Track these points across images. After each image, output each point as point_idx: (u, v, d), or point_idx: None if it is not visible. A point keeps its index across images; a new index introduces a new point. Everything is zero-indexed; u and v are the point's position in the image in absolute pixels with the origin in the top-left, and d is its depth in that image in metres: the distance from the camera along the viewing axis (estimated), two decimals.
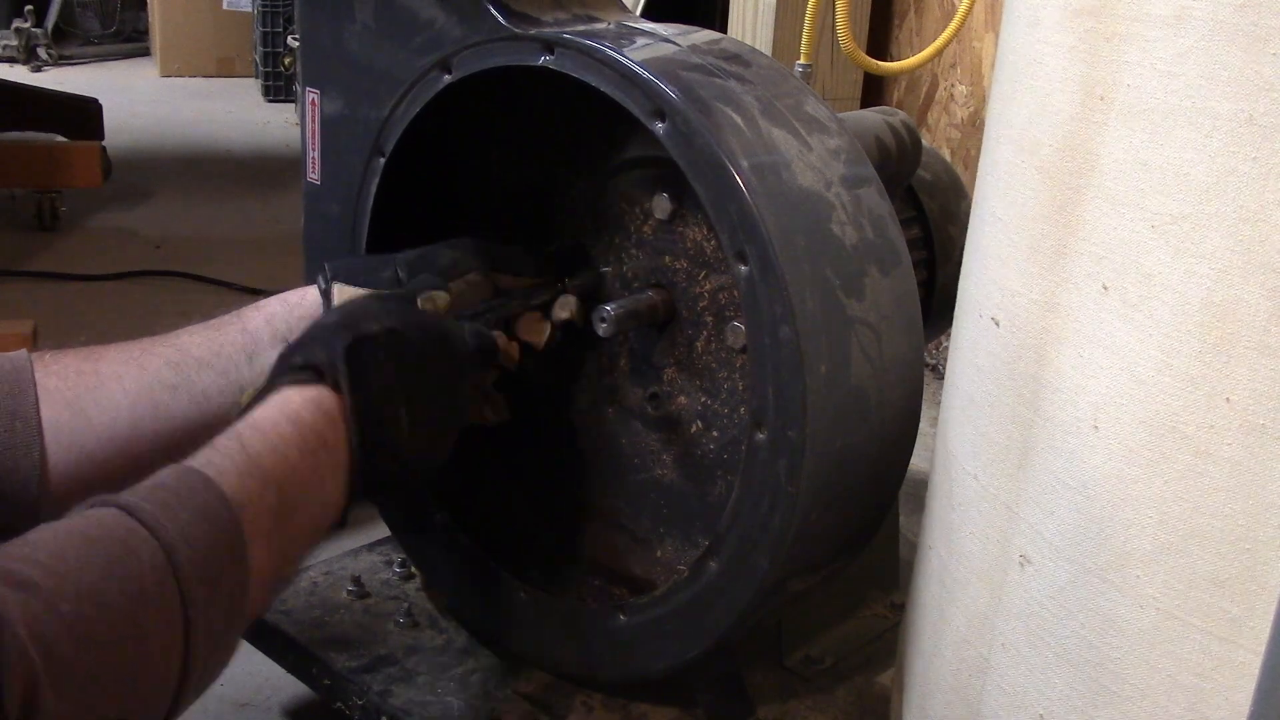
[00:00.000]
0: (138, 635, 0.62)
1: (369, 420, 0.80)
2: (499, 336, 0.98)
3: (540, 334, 1.02)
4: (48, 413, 0.84)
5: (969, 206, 0.86)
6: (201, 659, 0.66)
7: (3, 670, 0.54)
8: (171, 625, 0.64)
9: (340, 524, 0.83)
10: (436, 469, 0.89)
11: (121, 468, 0.86)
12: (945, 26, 1.65)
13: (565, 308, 1.04)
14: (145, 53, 5.31)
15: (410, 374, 0.83)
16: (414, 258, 0.98)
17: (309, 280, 1.18)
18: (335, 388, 0.79)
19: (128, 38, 5.41)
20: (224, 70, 5.00)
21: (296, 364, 0.80)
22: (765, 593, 0.92)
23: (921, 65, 1.74)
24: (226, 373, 0.92)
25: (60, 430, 0.84)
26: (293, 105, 4.38)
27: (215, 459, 0.72)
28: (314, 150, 1.19)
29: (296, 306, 0.97)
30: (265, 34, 4.51)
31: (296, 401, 0.78)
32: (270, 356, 0.93)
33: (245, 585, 0.69)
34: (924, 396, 0.97)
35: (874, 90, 2.51)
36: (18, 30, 4.90)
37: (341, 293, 0.94)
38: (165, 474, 0.70)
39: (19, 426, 0.83)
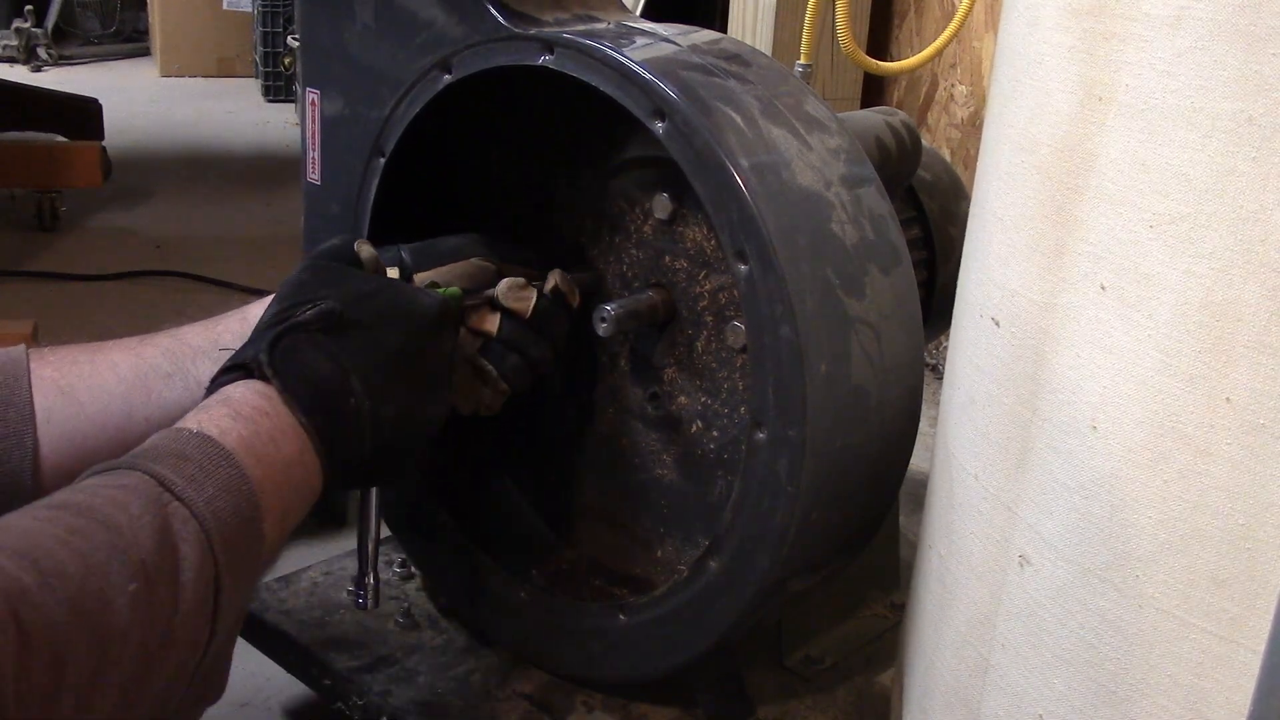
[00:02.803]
0: (173, 608, 0.63)
1: (316, 404, 0.78)
2: (481, 311, 0.97)
3: (525, 302, 0.99)
4: (40, 400, 0.84)
5: (969, 206, 0.86)
6: (220, 633, 0.67)
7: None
8: (206, 602, 0.65)
9: (340, 523, 0.83)
10: (422, 444, 0.88)
11: (114, 456, 0.86)
12: (945, 26, 1.65)
13: (553, 277, 1.02)
14: (145, 53, 5.30)
15: (354, 351, 0.81)
16: (419, 245, 0.98)
17: None
18: (265, 379, 0.78)
19: (128, 38, 5.41)
20: (224, 70, 4.99)
21: (225, 367, 0.79)
22: (765, 592, 0.92)
23: (921, 65, 1.74)
24: (222, 361, 0.91)
25: (52, 416, 0.84)
26: (293, 105, 4.38)
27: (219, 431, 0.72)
28: (314, 150, 1.19)
29: None
30: (265, 34, 4.51)
31: (227, 390, 0.77)
32: None
33: (259, 559, 0.70)
34: (924, 396, 0.97)
35: (874, 90, 2.51)
36: (18, 30, 4.90)
37: None
38: (181, 443, 0.69)
39: (12, 415, 0.82)
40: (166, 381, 0.89)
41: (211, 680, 0.69)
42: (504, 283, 0.99)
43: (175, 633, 0.62)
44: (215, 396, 0.77)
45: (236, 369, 0.79)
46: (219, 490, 0.67)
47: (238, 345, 0.93)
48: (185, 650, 0.64)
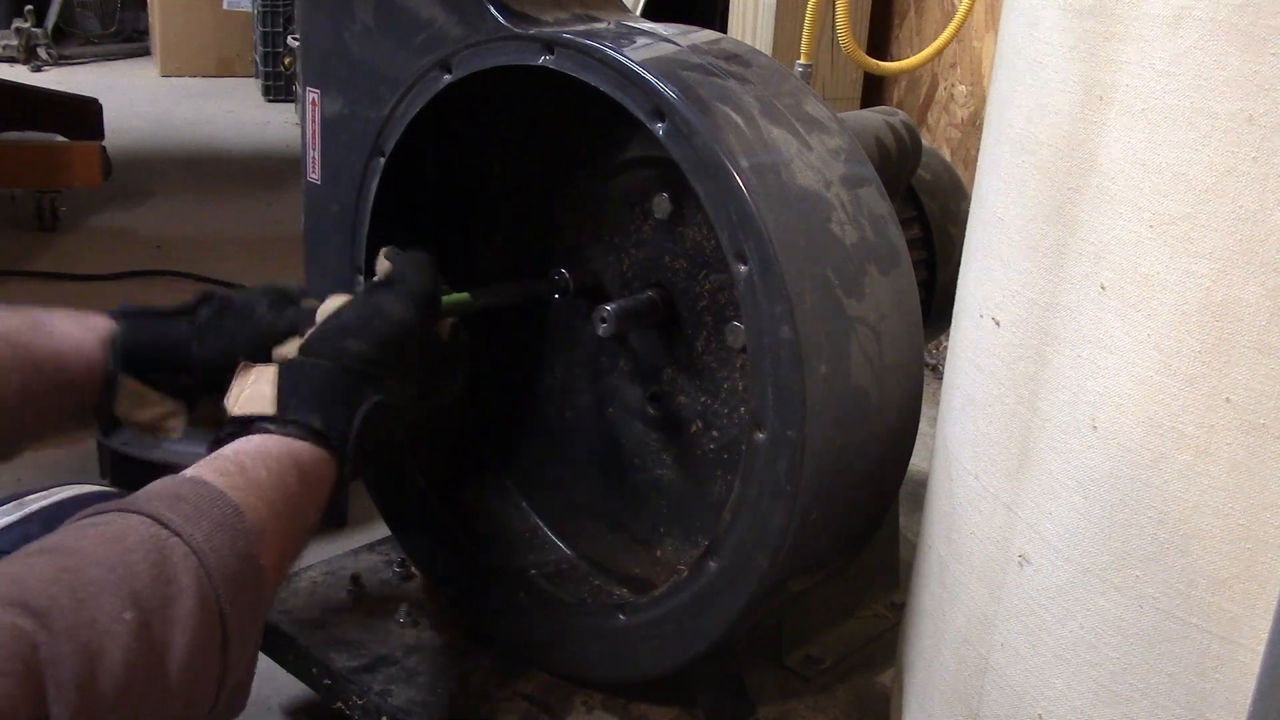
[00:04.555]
0: (190, 649, 0.63)
1: (355, 472, 0.83)
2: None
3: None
4: None
5: (969, 207, 0.86)
6: (234, 667, 0.67)
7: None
8: (213, 636, 0.65)
9: (341, 524, 0.84)
10: None
11: None
12: (945, 26, 1.65)
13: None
14: (145, 53, 5.30)
15: (403, 420, 0.88)
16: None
17: (310, 279, 1.18)
18: (336, 455, 0.81)
19: (128, 38, 5.41)
20: (224, 70, 4.99)
21: (312, 426, 0.80)
22: (765, 592, 0.92)
23: (921, 65, 1.74)
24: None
25: None
26: (293, 105, 4.38)
27: (221, 477, 0.72)
28: (314, 150, 1.19)
29: None
30: (265, 34, 4.51)
31: (298, 446, 0.79)
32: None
33: (263, 595, 0.70)
34: (924, 396, 0.97)
35: (874, 90, 2.51)
36: (18, 30, 4.90)
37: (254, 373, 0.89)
38: (175, 485, 0.70)
39: None
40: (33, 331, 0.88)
41: (231, 707, 0.70)
42: None
43: (181, 661, 0.62)
44: (289, 448, 0.78)
45: (316, 433, 0.80)
46: (215, 527, 0.68)
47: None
48: (196, 682, 0.64)
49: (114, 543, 0.63)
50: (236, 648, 0.67)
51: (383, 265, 0.92)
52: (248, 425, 0.80)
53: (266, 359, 0.87)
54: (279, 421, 0.79)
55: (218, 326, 0.92)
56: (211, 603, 0.65)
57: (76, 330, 0.89)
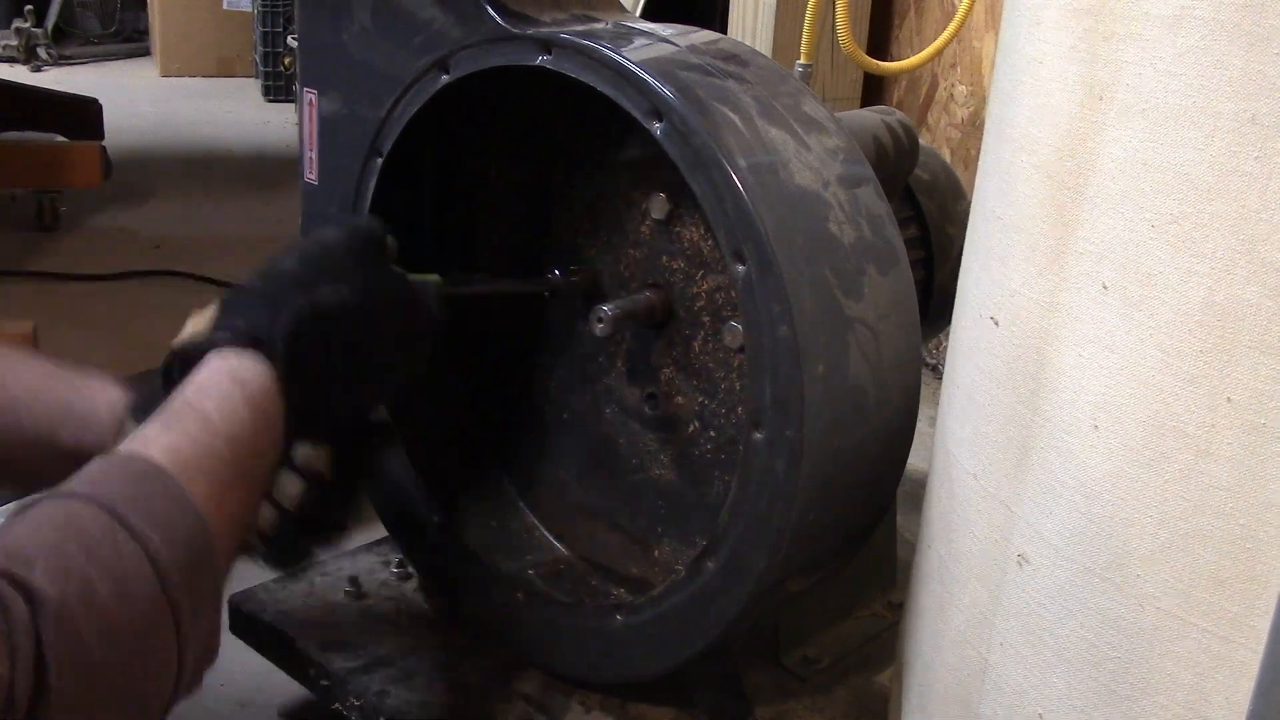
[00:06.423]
0: (138, 628, 0.63)
1: (304, 393, 0.81)
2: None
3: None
4: None
5: (967, 207, 0.86)
6: (190, 632, 0.67)
7: (14, 662, 0.56)
8: (160, 609, 0.65)
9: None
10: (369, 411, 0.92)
11: None
12: (945, 26, 1.65)
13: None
14: (145, 53, 5.30)
15: (355, 351, 0.85)
16: None
17: None
18: (273, 361, 0.80)
19: (128, 38, 5.41)
20: (224, 70, 4.99)
21: (239, 328, 0.80)
22: (763, 592, 0.92)
23: (921, 65, 1.74)
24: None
25: None
26: (293, 105, 4.38)
27: (165, 431, 0.73)
28: (312, 150, 1.18)
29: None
30: (265, 34, 4.52)
31: (234, 363, 0.79)
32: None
33: (211, 552, 0.70)
34: (923, 396, 0.97)
35: (874, 90, 2.51)
36: (18, 30, 4.90)
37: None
38: (103, 463, 0.70)
39: None
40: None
41: (202, 661, 0.70)
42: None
43: (107, 594, 0.63)
44: (227, 368, 0.78)
45: (249, 335, 0.80)
46: (127, 481, 0.68)
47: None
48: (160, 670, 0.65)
49: (78, 517, 0.64)
50: (188, 615, 0.67)
51: None
52: (186, 356, 0.80)
53: None
54: (208, 339, 0.80)
55: None
56: (160, 600, 0.65)
57: (96, 389, 0.89)
